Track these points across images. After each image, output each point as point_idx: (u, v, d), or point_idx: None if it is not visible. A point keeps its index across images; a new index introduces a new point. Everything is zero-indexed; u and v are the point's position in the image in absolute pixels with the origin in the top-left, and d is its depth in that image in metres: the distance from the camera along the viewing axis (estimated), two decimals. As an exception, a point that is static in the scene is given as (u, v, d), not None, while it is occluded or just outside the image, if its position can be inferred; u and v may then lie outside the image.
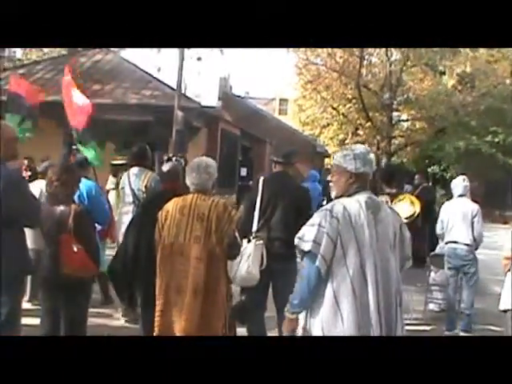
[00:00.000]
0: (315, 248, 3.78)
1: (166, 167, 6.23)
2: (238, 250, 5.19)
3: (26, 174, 11.44)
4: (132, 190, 7.59)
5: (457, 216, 8.11)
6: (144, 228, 5.23)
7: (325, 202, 13.18)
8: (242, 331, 5.72)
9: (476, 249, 8.09)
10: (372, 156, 4.06)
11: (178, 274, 4.81)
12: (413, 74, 29.17)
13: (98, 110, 14.60)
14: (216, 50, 19.30)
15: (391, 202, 8.43)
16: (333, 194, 4.14)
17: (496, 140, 29.63)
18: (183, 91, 17.75)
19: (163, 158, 10.10)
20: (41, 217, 5.03)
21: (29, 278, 7.27)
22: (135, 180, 7.61)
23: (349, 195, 3.95)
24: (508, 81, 27.64)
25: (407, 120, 31.71)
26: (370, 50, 28.50)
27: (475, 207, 8.16)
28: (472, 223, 8.04)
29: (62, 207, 5.06)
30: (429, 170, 34.44)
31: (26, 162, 11.93)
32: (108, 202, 7.92)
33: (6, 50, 28.03)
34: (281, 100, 48.19)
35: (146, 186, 7.52)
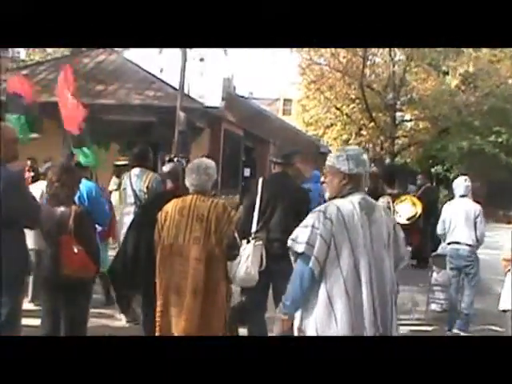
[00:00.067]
0: (308, 250, 3.78)
1: (166, 168, 6.25)
2: (238, 250, 5.20)
3: (29, 174, 11.49)
4: (133, 190, 7.60)
5: (459, 216, 8.09)
6: (144, 229, 5.25)
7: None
8: (242, 332, 5.73)
9: (477, 249, 8.09)
10: (365, 157, 4.06)
11: (178, 275, 4.83)
12: (416, 74, 29.14)
13: (102, 111, 14.72)
14: (220, 51, 19.34)
15: (393, 202, 8.42)
16: (326, 196, 4.14)
17: (499, 140, 29.59)
18: (186, 92, 17.76)
19: (165, 159, 10.11)
20: (41, 218, 5.05)
21: (31, 278, 7.32)
22: (136, 181, 7.62)
23: (342, 196, 3.94)
24: (511, 81, 27.57)
25: (410, 120, 31.65)
26: (374, 50, 28.47)
27: (477, 208, 8.15)
28: (475, 224, 8.03)
29: (62, 208, 5.07)
30: (432, 170, 34.40)
31: (28, 162, 11.99)
32: (110, 202, 7.91)
33: (10, 50, 28.08)
34: (285, 100, 48.16)
35: (147, 187, 7.53)
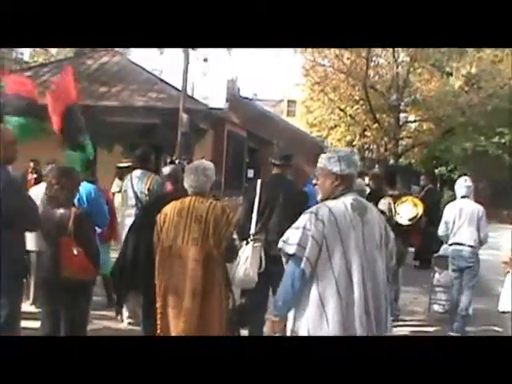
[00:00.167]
0: (300, 251, 3.77)
1: (166, 170, 6.25)
2: (236, 253, 5.22)
3: (32, 176, 11.53)
4: (135, 192, 7.59)
5: (461, 217, 8.07)
6: (145, 231, 5.25)
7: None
8: (243, 333, 5.72)
9: (479, 249, 8.08)
10: (356, 157, 4.06)
11: (177, 277, 4.85)
12: (420, 75, 29.12)
13: (105, 113, 14.75)
14: (224, 52, 19.36)
15: (394, 203, 8.42)
16: (318, 197, 4.14)
17: (502, 141, 29.56)
18: (190, 93, 17.76)
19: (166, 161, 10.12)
20: (39, 220, 5.06)
21: (32, 280, 7.33)
22: (138, 183, 7.61)
23: (334, 197, 3.94)
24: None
25: (414, 121, 31.61)
26: (377, 51, 28.49)
27: (480, 208, 8.13)
28: (478, 225, 8.02)
29: (62, 210, 5.07)
30: (436, 171, 34.37)
31: (31, 164, 12.02)
32: (110, 204, 7.89)
33: (14, 52, 28.17)
34: (289, 101, 48.19)
35: (148, 189, 7.52)
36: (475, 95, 27.33)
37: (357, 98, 30.10)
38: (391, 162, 28.77)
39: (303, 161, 8.94)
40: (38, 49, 33.05)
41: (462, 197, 8.20)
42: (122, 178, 9.14)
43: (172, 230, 4.89)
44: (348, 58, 28.71)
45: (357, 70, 28.45)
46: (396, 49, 26.77)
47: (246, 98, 30.35)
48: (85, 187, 6.20)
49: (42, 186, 7.18)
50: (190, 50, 13.77)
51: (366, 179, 10.37)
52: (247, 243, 5.67)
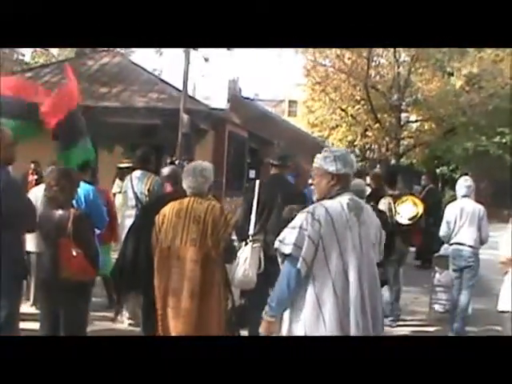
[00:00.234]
0: (296, 251, 3.76)
1: (165, 171, 6.25)
2: (235, 253, 5.22)
3: (33, 177, 11.53)
4: (135, 193, 7.59)
5: (462, 217, 8.06)
6: (144, 231, 5.23)
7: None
8: (243, 334, 5.72)
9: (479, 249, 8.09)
10: (352, 157, 4.05)
11: (175, 277, 4.84)
12: (421, 75, 29.13)
13: (106, 113, 14.75)
14: (225, 52, 19.37)
15: (394, 203, 8.42)
16: (315, 197, 4.13)
17: (503, 141, 29.56)
18: (192, 94, 17.74)
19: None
20: (37, 221, 5.06)
21: (32, 281, 7.33)
22: (138, 183, 7.61)
23: (331, 197, 3.92)
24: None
25: (416, 121, 31.65)
26: (378, 51, 28.53)
27: (481, 208, 8.11)
28: (479, 225, 8.01)
29: (61, 211, 5.06)
30: (437, 170, 34.36)
31: (32, 165, 12.02)
32: (109, 205, 7.87)
33: (15, 53, 28.21)
34: (290, 102, 48.23)
35: (148, 190, 7.52)
36: (476, 95, 27.35)
37: (358, 97, 30.15)
38: (393, 161, 28.78)
39: (304, 161, 8.92)
40: (38, 50, 33.13)
41: (463, 196, 8.19)
42: (122, 179, 9.14)
43: (170, 231, 4.88)
44: (349, 58, 28.76)
45: (358, 69, 28.51)
46: (397, 49, 26.78)
47: (248, 99, 30.40)
48: (83, 188, 6.18)
49: (43, 187, 7.18)
50: (191, 50, 13.76)
51: (368, 179, 10.37)
52: (246, 244, 5.66)
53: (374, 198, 8.36)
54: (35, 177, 11.33)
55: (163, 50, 19.77)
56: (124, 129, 15.12)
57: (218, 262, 4.90)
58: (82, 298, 5.20)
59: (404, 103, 29.86)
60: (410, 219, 8.54)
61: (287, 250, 3.80)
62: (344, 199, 3.89)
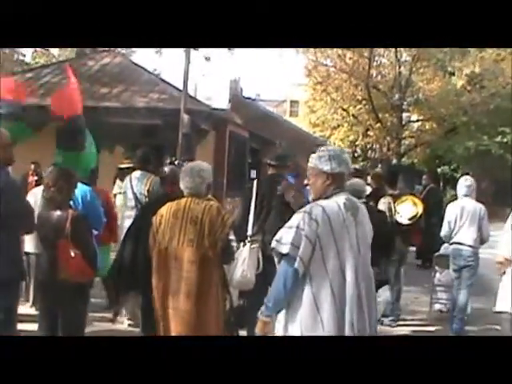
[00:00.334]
0: (293, 251, 3.74)
1: (164, 171, 6.24)
2: (232, 254, 5.20)
3: (33, 178, 11.55)
4: (134, 194, 7.58)
5: (463, 217, 8.06)
6: (142, 232, 5.23)
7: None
8: (241, 334, 5.72)
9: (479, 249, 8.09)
10: (347, 156, 4.04)
11: (173, 278, 4.83)
12: (422, 74, 29.14)
13: (107, 114, 14.75)
14: (226, 52, 19.35)
15: (394, 203, 8.42)
16: (310, 197, 4.11)
17: (504, 140, 29.56)
18: (193, 94, 17.71)
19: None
20: (36, 222, 5.06)
21: (31, 282, 7.32)
22: (137, 184, 7.60)
23: (327, 197, 3.91)
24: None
25: (417, 120, 31.70)
26: (380, 51, 28.56)
27: (482, 207, 8.11)
28: (480, 224, 8.01)
29: (59, 212, 5.04)
30: (439, 170, 34.37)
31: (32, 167, 12.04)
32: (108, 205, 7.85)
33: (15, 54, 28.25)
34: (292, 102, 48.28)
35: (148, 190, 7.51)
36: (477, 94, 27.36)
37: (359, 97, 30.19)
38: (394, 161, 28.79)
39: (304, 161, 8.92)
40: (39, 50, 33.17)
41: (464, 196, 8.18)
42: (123, 180, 9.14)
43: (168, 232, 4.87)
44: (350, 58, 28.80)
45: (359, 69, 28.55)
46: (398, 49, 26.78)
47: (249, 99, 30.39)
48: (80, 189, 6.15)
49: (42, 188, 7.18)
50: (192, 50, 13.75)
51: (369, 178, 10.37)
52: (244, 244, 5.65)
53: (374, 198, 8.36)
54: (35, 178, 11.35)
55: (163, 49, 19.77)
56: (125, 129, 15.13)
57: (215, 262, 4.88)
58: (81, 298, 5.18)
59: (405, 103, 29.90)
60: (409, 219, 8.53)
61: (284, 249, 3.78)
62: (340, 199, 3.88)
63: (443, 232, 8.29)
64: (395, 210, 8.37)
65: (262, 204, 5.96)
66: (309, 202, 4.09)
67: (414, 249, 12.70)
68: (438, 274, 9.23)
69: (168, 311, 4.87)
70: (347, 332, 3.74)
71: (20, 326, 5.26)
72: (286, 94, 49.47)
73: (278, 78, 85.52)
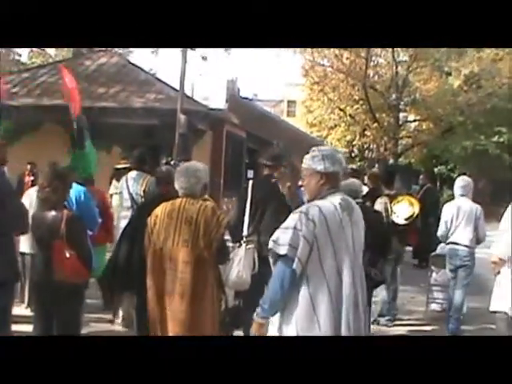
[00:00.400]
0: (291, 251, 3.71)
1: (160, 171, 6.23)
2: (227, 254, 5.19)
3: (29, 178, 11.55)
4: (130, 194, 7.57)
5: (459, 217, 8.07)
6: (138, 232, 5.21)
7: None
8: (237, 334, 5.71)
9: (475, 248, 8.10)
10: (341, 156, 4.03)
11: (168, 279, 4.82)
12: (419, 74, 29.19)
13: (103, 114, 14.74)
14: (223, 52, 19.33)
15: (390, 203, 8.42)
16: (305, 198, 4.10)
17: (501, 140, 29.60)
18: (190, 94, 17.66)
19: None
20: (31, 222, 5.04)
21: (27, 283, 7.30)
22: (133, 184, 7.58)
23: (322, 197, 3.89)
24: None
25: (414, 120, 31.79)
26: (377, 51, 28.60)
27: (478, 207, 8.12)
28: (476, 224, 8.01)
29: (54, 212, 5.03)
30: (436, 170, 34.42)
31: (28, 167, 12.04)
32: (104, 205, 7.83)
33: (12, 53, 28.20)
34: (289, 102, 48.33)
35: (144, 191, 7.49)
36: (474, 94, 27.41)
37: (356, 97, 30.25)
38: (391, 161, 28.82)
39: (300, 161, 8.89)
40: (35, 50, 33.14)
41: (461, 196, 8.19)
42: (119, 180, 9.13)
43: (162, 232, 4.85)
44: (347, 58, 28.85)
45: (356, 69, 28.60)
46: (395, 49, 26.82)
47: (246, 99, 30.38)
48: (74, 189, 6.12)
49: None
50: (189, 50, 13.73)
51: (365, 178, 10.38)
52: (240, 245, 5.64)
53: (370, 198, 8.37)
54: (31, 178, 11.34)
55: (160, 49, 19.74)
56: (122, 129, 15.12)
57: (210, 262, 4.86)
58: (76, 299, 5.17)
59: (402, 103, 29.98)
60: (406, 219, 8.54)
61: (282, 250, 3.75)
62: (336, 199, 3.87)
63: (439, 232, 8.30)
64: (392, 210, 8.37)
65: (257, 204, 5.94)
66: (303, 203, 4.06)
67: (410, 248, 12.73)
68: (434, 274, 9.24)
69: (163, 312, 4.86)
70: (343, 332, 3.73)
71: (15, 327, 5.24)
72: (283, 94, 49.52)
73: (275, 78, 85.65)
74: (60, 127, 13.79)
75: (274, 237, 3.85)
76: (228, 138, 19.44)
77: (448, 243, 8.16)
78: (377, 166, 26.73)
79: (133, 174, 7.71)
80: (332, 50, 28.30)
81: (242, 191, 6.37)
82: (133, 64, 19.53)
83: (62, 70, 8.84)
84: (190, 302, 4.75)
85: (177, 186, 4.96)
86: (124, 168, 8.91)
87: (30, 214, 5.25)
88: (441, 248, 8.94)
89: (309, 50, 28.29)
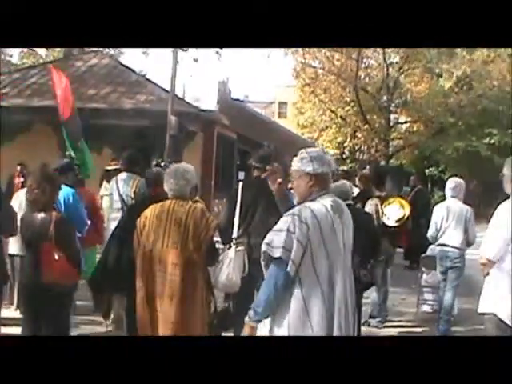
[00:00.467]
0: (285, 254, 3.68)
1: (150, 173, 6.22)
2: (217, 256, 5.18)
3: (19, 180, 11.48)
4: (120, 195, 7.55)
5: (449, 218, 8.07)
6: (128, 234, 5.18)
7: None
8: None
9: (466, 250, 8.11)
10: (329, 157, 4.02)
11: (158, 281, 4.81)
12: (410, 76, 29.28)
13: (94, 115, 14.70)
14: (214, 53, 19.31)
15: (381, 205, 8.42)
16: (295, 201, 4.09)
17: (492, 141, 29.71)
18: (181, 95, 17.63)
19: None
20: (20, 224, 5.02)
21: (16, 285, 7.25)
22: (123, 186, 7.56)
23: (312, 200, 3.86)
24: (503, 83, 27.62)
25: (405, 122, 31.86)
26: (368, 52, 28.67)
27: (468, 209, 8.12)
28: (466, 226, 8.02)
29: (42, 214, 5.02)
30: (427, 171, 34.51)
31: (18, 168, 11.97)
32: (94, 207, 7.80)
33: (2, 54, 28.07)
34: (280, 103, 48.36)
35: (134, 192, 7.45)
36: (465, 96, 27.51)
37: (347, 99, 30.30)
38: (382, 162, 28.88)
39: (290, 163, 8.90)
40: (26, 50, 33.04)
41: (451, 197, 8.20)
42: (109, 181, 9.11)
43: (152, 234, 4.84)
44: (338, 60, 28.92)
45: (347, 71, 28.66)
46: (386, 50, 26.90)
47: (237, 100, 30.38)
48: (63, 191, 6.09)
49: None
50: (180, 51, 13.72)
51: (356, 180, 10.38)
52: (230, 247, 5.62)
53: (361, 200, 8.37)
54: (21, 179, 11.27)
55: (150, 50, 19.70)
56: (112, 131, 15.09)
57: (200, 265, 4.86)
58: (65, 301, 5.16)
59: (393, 105, 30.09)
60: (396, 221, 8.54)
61: (276, 253, 3.71)
62: (327, 201, 3.85)
63: (430, 233, 8.31)
64: (382, 212, 8.37)
65: (247, 206, 5.92)
66: (294, 206, 4.04)
67: (401, 250, 12.74)
68: (424, 275, 9.25)
69: (152, 313, 4.85)
70: (335, 334, 3.71)
71: (4, 330, 5.22)
72: (274, 95, 49.56)
73: (266, 80, 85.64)
74: (50, 128, 13.76)
75: (267, 239, 3.81)
76: (219, 139, 19.43)
77: (438, 245, 8.16)
78: (368, 167, 26.78)
79: (123, 175, 7.69)
80: (323, 51, 28.38)
81: (232, 193, 6.34)
82: (124, 65, 19.47)
83: (52, 70, 8.82)
84: (179, 303, 4.74)
85: (166, 187, 4.95)
86: (114, 169, 8.89)
87: (20, 215, 5.23)
88: (431, 249, 8.95)
89: (300, 51, 28.35)
